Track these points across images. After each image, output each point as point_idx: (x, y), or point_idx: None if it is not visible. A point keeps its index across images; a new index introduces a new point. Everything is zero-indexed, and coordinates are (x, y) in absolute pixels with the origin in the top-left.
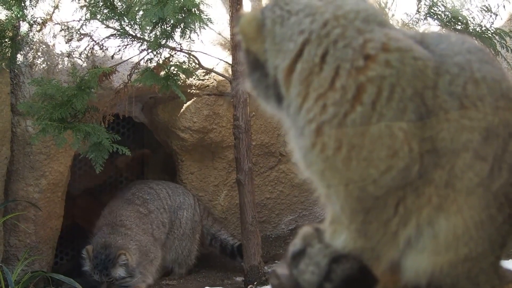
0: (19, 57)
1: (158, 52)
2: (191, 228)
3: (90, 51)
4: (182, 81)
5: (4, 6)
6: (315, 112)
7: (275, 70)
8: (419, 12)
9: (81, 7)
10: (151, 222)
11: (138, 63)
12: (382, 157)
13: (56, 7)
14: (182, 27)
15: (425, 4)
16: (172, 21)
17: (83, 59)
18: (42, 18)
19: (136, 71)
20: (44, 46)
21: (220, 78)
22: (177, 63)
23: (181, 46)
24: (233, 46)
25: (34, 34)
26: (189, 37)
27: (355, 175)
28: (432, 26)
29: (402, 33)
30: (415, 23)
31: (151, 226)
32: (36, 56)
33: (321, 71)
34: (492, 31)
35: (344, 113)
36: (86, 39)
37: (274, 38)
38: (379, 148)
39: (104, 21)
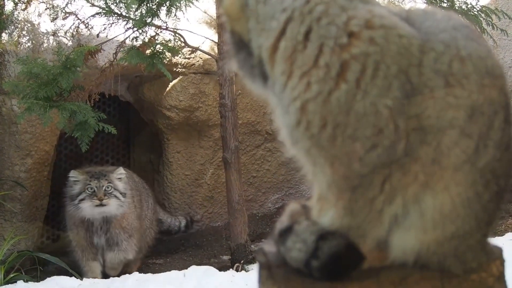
0: (4, 36)
1: (144, 30)
2: (153, 215)
3: (75, 30)
4: (168, 59)
5: None
6: (300, 90)
7: (259, 49)
8: None
9: None
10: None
11: (124, 41)
12: (367, 134)
13: None
14: (168, 5)
15: None
16: None
17: (68, 38)
18: None
19: (121, 49)
20: (29, 24)
21: (206, 56)
22: (163, 42)
23: (166, 25)
24: (219, 24)
25: (19, 12)
26: (175, 15)
27: (341, 152)
28: (418, 4)
29: (387, 10)
30: (401, 1)
31: (133, 201)
32: (21, 35)
33: (304, 49)
34: (478, 9)
35: (329, 91)
36: (71, 17)
37: (257, 17)
38: (364, 125)
39: (89, 0)
